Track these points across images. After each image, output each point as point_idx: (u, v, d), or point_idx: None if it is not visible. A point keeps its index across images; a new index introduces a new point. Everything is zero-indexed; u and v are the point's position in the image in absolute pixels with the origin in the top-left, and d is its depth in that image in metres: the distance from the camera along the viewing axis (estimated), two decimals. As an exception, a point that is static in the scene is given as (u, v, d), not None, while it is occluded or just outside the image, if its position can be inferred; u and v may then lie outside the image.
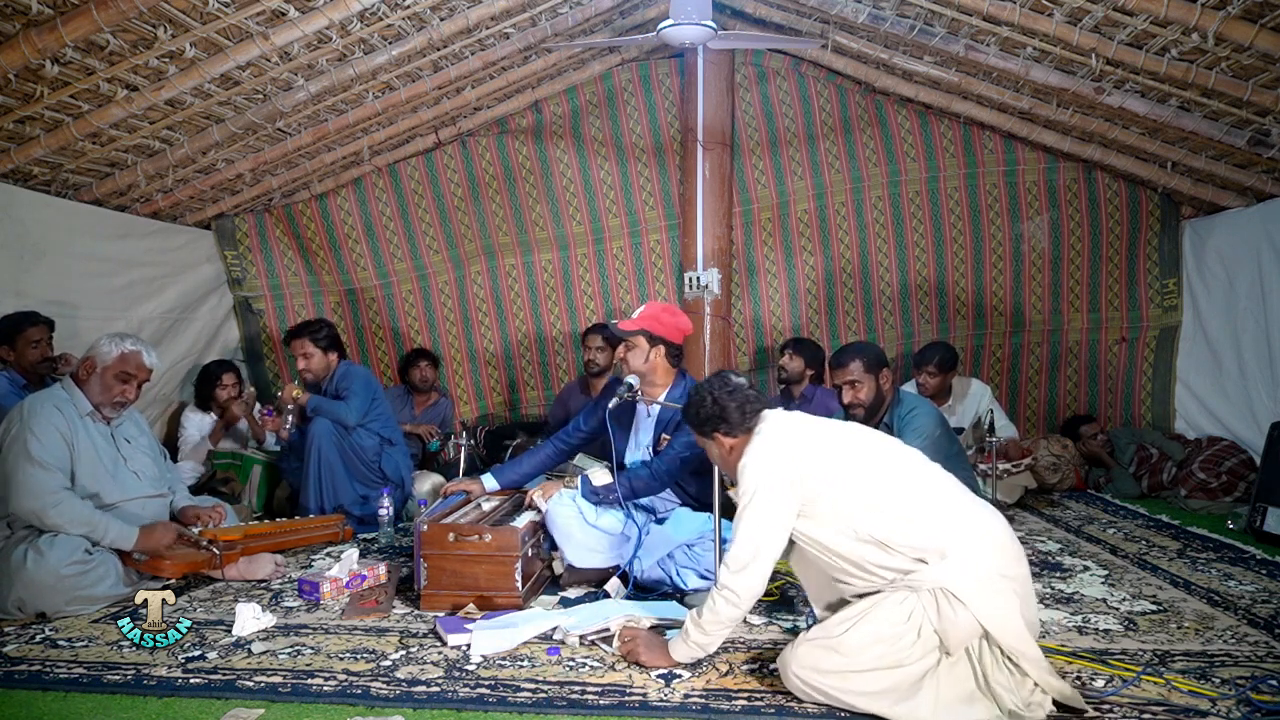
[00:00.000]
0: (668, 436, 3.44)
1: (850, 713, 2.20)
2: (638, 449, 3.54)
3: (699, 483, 3.41)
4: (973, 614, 2.13)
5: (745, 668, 2.49)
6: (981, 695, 2.17)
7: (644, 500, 3.44)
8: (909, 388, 4.68)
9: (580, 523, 3.29)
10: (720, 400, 2.50)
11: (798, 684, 2.25)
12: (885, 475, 2.37)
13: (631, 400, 3.43)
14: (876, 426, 3.39)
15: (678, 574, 3.14)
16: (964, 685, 2.17)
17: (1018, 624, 2.15)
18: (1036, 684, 2.16)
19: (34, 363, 3.90)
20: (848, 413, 3.53)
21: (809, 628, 2.44)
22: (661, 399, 3.41)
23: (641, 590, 3.18)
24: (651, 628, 2.72)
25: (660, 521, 3.39)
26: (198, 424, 5.03)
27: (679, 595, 3.13)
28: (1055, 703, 2.18)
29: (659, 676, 2.44)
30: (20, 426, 3.06)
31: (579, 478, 3.46)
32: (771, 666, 2.43)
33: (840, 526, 2.30)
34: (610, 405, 3.40)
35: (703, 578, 3.09)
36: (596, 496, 3.37)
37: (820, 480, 2.34)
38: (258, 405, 5.19)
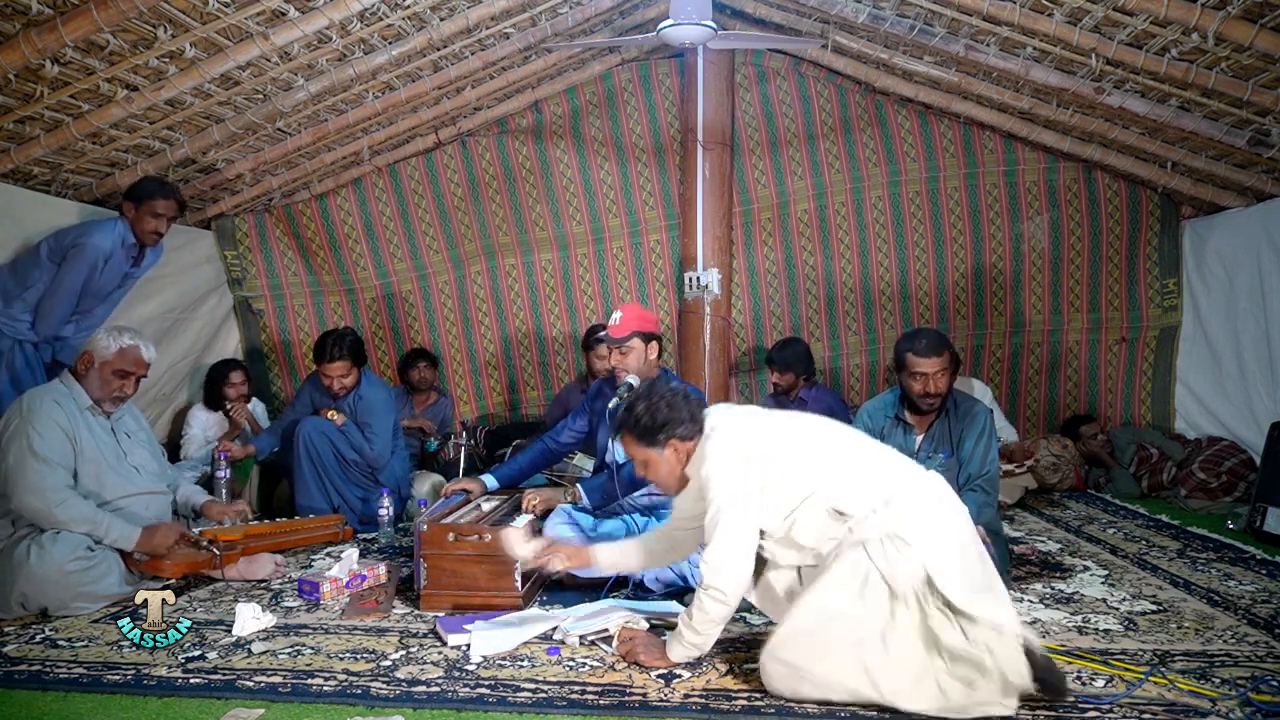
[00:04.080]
0: None
1: (846, 709, 2.20)
2: None
3: None
4: (916, 553, 2.19)
5: (745, 667, 2.48)
6: (927, 644, 2.19)
7: (643, 499, 3.43)
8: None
9: (582, 543, 3.25)
10: (672, 401, 2.48)
11: (775, 672, 2.25)
12: (828, 443, 2.46)
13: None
14: (932, 422, 3.34)
15: (690, 574, 3.14)
16: (913, 634, 2.20)
17: (954, 563, 2.20)
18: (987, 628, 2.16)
19: (148, 231, 4.02)
20: (920, 404, 3.28)
21: None
22: None
23: (644, 590, 3.17)
24: (651, 627, 2.73)
25: (660, 517, 3.38)
26: (203, 423, 5.02)
27: (690, 593, 3.11)
28: (1036, 680, 2.16)
29: (659, 676, 2.43)
30: (21, 422, 3.05)
31: (579, 486, 3.46)
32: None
33: (797, 502, 2.35)
34: (610, 406, 3.39)
35: None
36: (599, 498, 3.37)
37: (773, 456, 2.38)
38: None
